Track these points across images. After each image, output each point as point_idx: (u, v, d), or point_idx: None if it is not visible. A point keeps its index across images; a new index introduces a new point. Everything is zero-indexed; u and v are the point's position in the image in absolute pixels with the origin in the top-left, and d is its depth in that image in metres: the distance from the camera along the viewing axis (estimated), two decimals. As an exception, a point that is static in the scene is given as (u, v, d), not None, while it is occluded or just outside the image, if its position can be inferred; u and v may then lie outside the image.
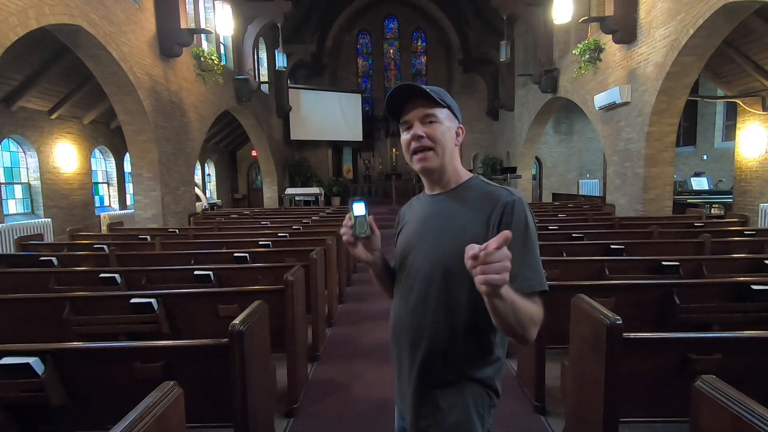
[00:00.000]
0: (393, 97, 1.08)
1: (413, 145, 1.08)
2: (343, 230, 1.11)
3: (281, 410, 2.60)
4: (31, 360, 1.59)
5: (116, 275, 3.22)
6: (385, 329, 3.92)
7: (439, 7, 16.30)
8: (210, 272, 3.22)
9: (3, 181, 7.48)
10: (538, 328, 0.95)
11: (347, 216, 1.10)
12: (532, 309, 0.93)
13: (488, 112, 16.24)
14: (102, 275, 3.23)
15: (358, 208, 1.08)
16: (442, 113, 1.08)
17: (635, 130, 7.29)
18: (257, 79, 11.79)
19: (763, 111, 7.71)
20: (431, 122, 1.07)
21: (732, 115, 10.15)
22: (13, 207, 7.71)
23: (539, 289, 0.97)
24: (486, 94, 16.19)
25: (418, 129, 1.07)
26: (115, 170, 10.31)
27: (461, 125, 1.15)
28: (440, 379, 1.05)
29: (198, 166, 13.73)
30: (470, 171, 1.21)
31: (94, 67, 6.28)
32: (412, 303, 1.08)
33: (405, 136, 1.11)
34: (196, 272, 3.22)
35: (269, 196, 14.05)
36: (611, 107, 7.91)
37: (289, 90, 14.77)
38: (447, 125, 1.09)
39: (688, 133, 13.06)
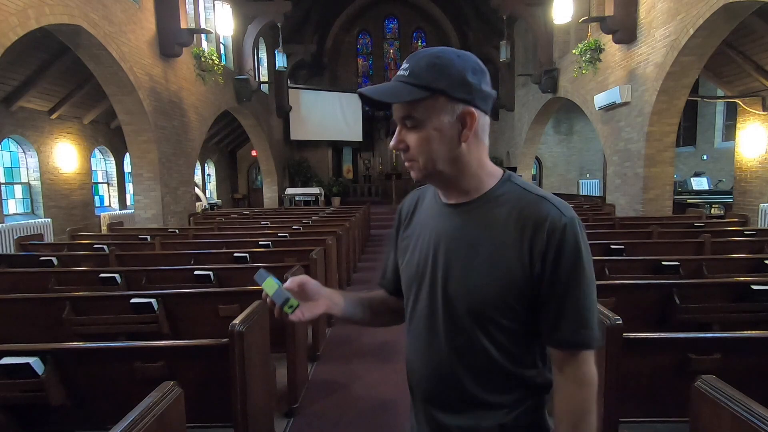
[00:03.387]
0: (368, 100, 0.81)
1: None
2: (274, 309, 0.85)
3: (281, 410, 2.60)
4: (31, 360, 1.59)
5: (116, 275, 3.22)
6: (385, 329, 3.91)
7: (439, 7, 16.31)
8: (210, 272, 3.22)
9: (3, 181, 7.48)
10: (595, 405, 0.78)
11: (263, 294, 0.85)
12: (583, 402, 0.77)
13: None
14: (102, 275, 3.23)
15: (267, 285, 0.83)
16: (424, 109, 0.77)
17: (635, 130, 7.29)
18: (257, 79, 11.78)
19: (763, 111, 7.70)
20: (411, 127, 0.80)
21: (732, 115, 10.15)
22: (13, 207, 7.70)
23: (590, 345, 0.76)
24: (486, 94, 16.17)
25: (396, 138, 0.82)
26: (115, 170, 10.30)
27: (472, 106, 0.78)
28: None
29: (198, 166, 13.72)
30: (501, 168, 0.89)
31: (94, 67, 6.28)
32: (429, 349, 0.86)
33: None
34: (196, 272, 3.22)
35: (269, 196, 14.05)
36: (611, 107, 7.91)
37: (289, 90, 14.77)
38: (434, 125, 0.78)
39: (688, 133, 13.06)
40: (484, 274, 0.78)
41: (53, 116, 8.07)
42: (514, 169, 12.61)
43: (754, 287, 2.48)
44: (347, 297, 0.99)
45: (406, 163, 0.84)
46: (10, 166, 7.67)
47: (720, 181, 11.39)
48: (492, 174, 0.84)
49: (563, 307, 0.76)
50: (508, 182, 0.84)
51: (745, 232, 4.84)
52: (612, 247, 3.96)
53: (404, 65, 0.79)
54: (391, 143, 0.85)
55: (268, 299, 0.84)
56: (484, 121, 0.81)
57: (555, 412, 0.81)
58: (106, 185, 10.28)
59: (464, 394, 0.83)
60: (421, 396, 0.89)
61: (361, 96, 0.81)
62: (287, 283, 0.86)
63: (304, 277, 0.88)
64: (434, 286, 0.83)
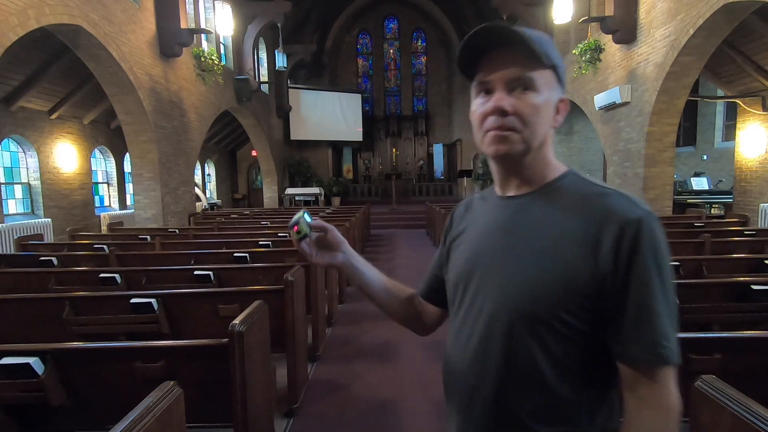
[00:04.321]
0: (471, 44, 0.72)
1: (491, 120, 0.72)
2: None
3: (281, 410, 2.60)
4: (31, 360, 1.59)
5: (116, 275, 3.22)
6: (385, 328, 3.91)
7: (439, 7, 16.31)
8: (210, 272, 3.22)
9: (3, 181, 7.48)
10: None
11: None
12: (663, 420, 0.66)
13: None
14: (102, 275, 3.23)
15: (303, 218, 0.89)
16: (543, 77, 0.71)
17: (635, 130, 7.29)
18: (257, 79, 11.79)
19: (763, 111, 7.70)
20: (525, 90, 0.71)
21: (732, 115, 10.14)
22: (13, 207, 7.70)
23: (671, 360, 0.65)
24: (486, 94, 16.17)
25: (503, 100, 0.71)
26: (115, 170, 10.30)
27: (565, 96, 0.76)
28: None
29: (198, 166, 13.72)
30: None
31: (94, 67, 6.28)
32: (471, 352, 0.76)
33: (479, 104, 0.74)
34: (196, 272, 3.22)
35: (269, 196, 14.06)
36: (611, 107, 7.91)
37: (289, 90, 14.78)
38: (546, 97, 0.72)
39: (688, 133, 13.05)
40: (540, 269, 0.69)
41: (53, 116, 8.07)
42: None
43: (754, 287, 2.48)
44: (370, 269, 0.96)
45: (499, 132, 0.72)
46: (10, 166, 7.67)
47: (720, 181, 11.37)
48: (556, 167, 0.78)
49: (639, 314, 0.65)
50: (572, 174, 0.76)
51: (745, 232, 4.84)
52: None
53: (513, 27, 0.70)
54: (497, 103, 0.71)
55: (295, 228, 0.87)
56: (565, 114, 0.78)
57: None
58: (106, 185, 10.28)
59: (505, 416, 0.71)
60: (456, 407, 0.79)
61: (484, 37, 0.71)
62: (315, 222, 0.89)
63: (330, 226, 0.90)
64: (483, 284, 0.75)
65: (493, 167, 0.80)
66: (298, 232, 0.87)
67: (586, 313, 0.67)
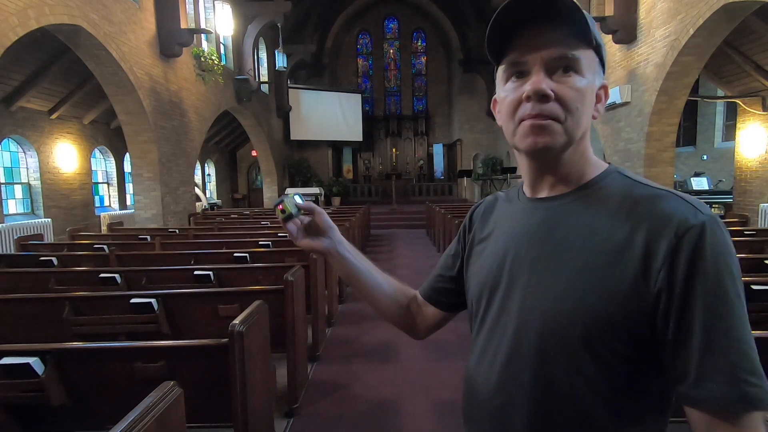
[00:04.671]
0: (505, 17, 0.61)
1: (527, 107, 0.61)
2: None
3: (281, 410, 2.60)
4: (31, 360, 1.59)
5: (116, 275, 3.22)
6: (385, 329, 3.91)
7: (439, 7, 16.32)
8: (210, 272, 3.22)
9: (3, 181, 7.48)
10: None
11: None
12: None
13: (488, 112, 16.21)
14: (102, 275, 3.23)
15: (290, 198, 0.86)
16: (587, 57, 0.62)
17: (635, 130, 7.29)
18: (257, 79, 11.78)
19: (763, 111, 7.70)
20: (567, 72, 0.61)
21: (732, 115, 10.14)
22: (13, 207, 7.70)
23: (761, 403, 0.50)
24: (486, 94, 16.19)
25: (543, 82, 0.60)
26: (115, 170, 10.31)
27: (605, 82, 0.67)
28: None
29: (198, 166, 13.72)
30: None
31: (94, 67, 6.28)
32: (496, 377, 0.66)
33: (510, 89, 0.64)
34: (196, 272, 3.22)
35: (269, 196, 14.06)
36: (611, 107, 7.91)
37: (289, 90, 14.78)
38: (590, 81, 0.62)
39: (688, 133, 13.05)
40: (574, 281, 0.59)
41: (53, 116, 8.07)
42: (514, 170, 12.60)
43: (754, 287, 2.47)
44: (361, 261, 0.88)
45: (537, 121, 0.61)
46: (10, 166, 7.68)
47: (720, 181, 11.37)
48: (596, 164, 0.67)
49: (709, 340, 0.51)
50: (616, 173, 0.65)
51: (745, 232, 4.84)
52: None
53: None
54: (537, 85, 0.60)
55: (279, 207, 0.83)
56: (606, 102, 0.68)
57: None
58: (106, 185, 10.28)
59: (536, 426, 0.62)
60: (484, 424, 0.69)
61: (519, 8, 0.60)
62: (305, 203, 0.85)
63: (320, 209, 0.85)
64: (509, 297, 0.66)
65: (525, 164, 0.69)
66: (283, 211, 0.84)
67: (636, 340, 0.56)
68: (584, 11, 0.59)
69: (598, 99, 0.65)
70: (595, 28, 0.61)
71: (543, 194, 0.68)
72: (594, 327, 0.57)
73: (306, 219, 0.85)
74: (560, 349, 0.59)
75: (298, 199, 0.86)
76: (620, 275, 0.56)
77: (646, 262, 0.55)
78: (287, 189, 14.08)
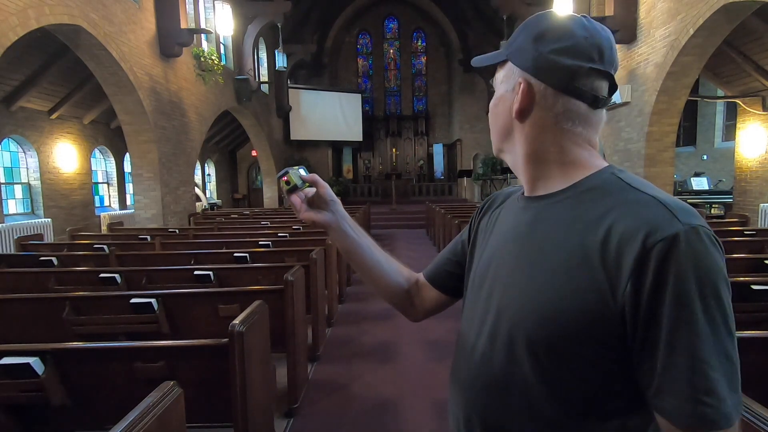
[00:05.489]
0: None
1: None
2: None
3: (281, 410, 2.60)
4: (31, 360, 1.59)
5: (116, 275, 3.22)
6: (385, 329, 3.92)
7: (439, 7, 16.32)
8: (210, 272, 3.22)
9: (3, 181, 7.48)
10: None
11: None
12: None
13: (488, 112, 16.23)
14: (102, 275, 3.23)
15: (293, 172, 0.86)
16: (500, 75, 0.72)
17: (635, 130, 7.29)
18: (257, 79, 11.79)
19: (763, 111, 7.71)
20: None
21: (732, 115, 10.14)
22: (13, 207, 7.70)
23: (716, 425, 0.50)
24: (486, 94, 16.18)
25: None
26: (115, 170, 10.31)
27: (526, 75, 0.65)
28: None
29: (198, 166, 13.72)
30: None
31: (94, 67, 6.28)
32: (478, 355, 0.68)
33: None
34: (196, 272, 3.22)
35: (269, 196, 14.06)
36: (611, 107, 7.91)
37: (289, 90, 14.79)
38: (500, 93, 0.71)
39: (688, 133, 13.05)
40: (545, 283, 0.59)
41: (53, 116, 8.07)
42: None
43: (754, 287, 2.47)
44: (363, 237, 0.89)
45: None
46: (10, 166, 7.68)
47: (720, 181, 11.38)
48: (582, 165, 0.65)
49: (672, 359, 0.51)
50: (608, 174, 0.62)
51: (745, 232, 4.84)
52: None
53: (476, 57, 0.80)
54: None
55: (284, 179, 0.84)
56: (556, 100, 0.63)
57: None
58: (106, 185, 10.28)
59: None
60: (458, 401, 0.71)
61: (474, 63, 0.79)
62: (308, 175, 0.86)
63: (323, 182, 0.86)
64: (490, 296, 0.67)
65: None
66: (287, 182, 0.84)
67: (604, 345, 0.56)
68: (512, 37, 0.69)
69: (522, 95, 0.66)
70: (517, 39, 0.68)
71: (537, 193, 0.69)
72: (560, 330, 0.57)
73: (311, 191, 0.85)
74: (527, 349, 0.59)
75: (302, 171, 0.86)
76: (588, 283, 0.55)
77: (614, 272, 0.53)
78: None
